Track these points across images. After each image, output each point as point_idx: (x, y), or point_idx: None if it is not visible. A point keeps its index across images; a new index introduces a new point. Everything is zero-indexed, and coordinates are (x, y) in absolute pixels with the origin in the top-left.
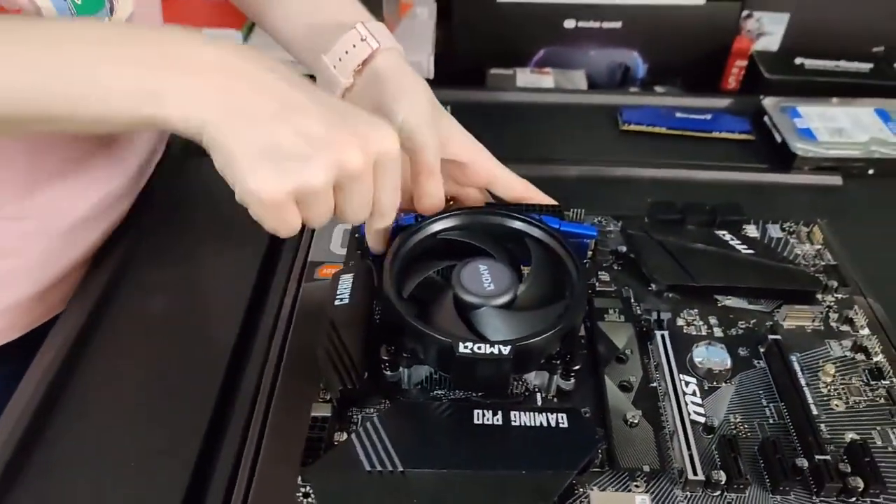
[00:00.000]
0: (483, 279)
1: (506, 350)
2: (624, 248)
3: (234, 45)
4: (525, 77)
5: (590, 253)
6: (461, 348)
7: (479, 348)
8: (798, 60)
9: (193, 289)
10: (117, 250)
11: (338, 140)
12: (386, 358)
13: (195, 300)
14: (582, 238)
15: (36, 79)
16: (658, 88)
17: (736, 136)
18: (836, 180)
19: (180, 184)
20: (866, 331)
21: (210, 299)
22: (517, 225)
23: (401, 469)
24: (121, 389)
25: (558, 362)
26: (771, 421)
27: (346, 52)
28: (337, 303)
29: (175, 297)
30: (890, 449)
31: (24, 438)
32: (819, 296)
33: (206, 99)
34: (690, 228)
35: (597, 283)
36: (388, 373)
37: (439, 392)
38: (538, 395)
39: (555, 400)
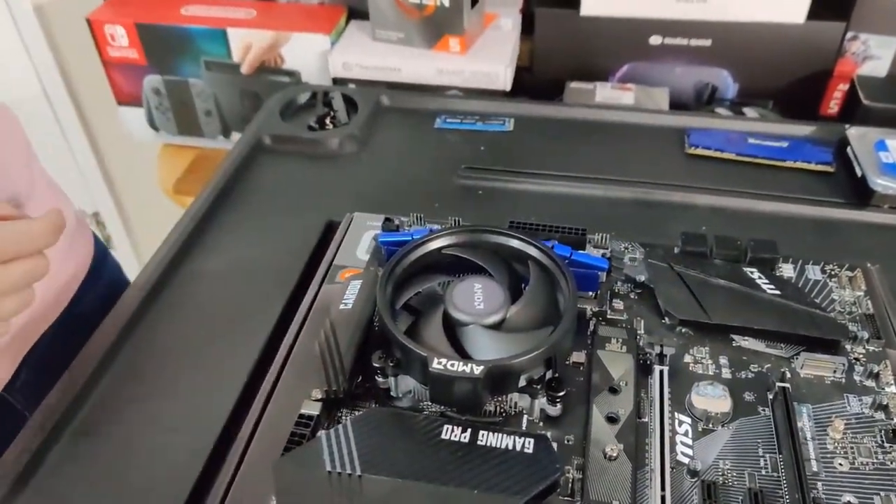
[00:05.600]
0: (475, 297)
1: (478, 370)
2: (643, 278)
3: None
4: (605, 92)
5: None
6: (434, 364)
7: (451, 366)
8: None
9: (244, 277)
10: (190, 227)
11: None
12: (377, 365)
13: (243, 288)
14: (592, 269)
15: None
16: (749, 111)
17: (812, 166)
18: None
19: (251, 177)
20: (893, 388)
21: (258, 289)
22: (516, 244)
23: (358, 473)
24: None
25: (539, 387)
26: (763, 472)
27: None
28: (341, 307)
29: (226, 283)
30: None
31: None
32: (848, 346)
33: None
34: (718, 263)
35: (608, 311)
36: (380, 379)
37: (426, 404)
38: (525, 417)
39: (540, 424)
